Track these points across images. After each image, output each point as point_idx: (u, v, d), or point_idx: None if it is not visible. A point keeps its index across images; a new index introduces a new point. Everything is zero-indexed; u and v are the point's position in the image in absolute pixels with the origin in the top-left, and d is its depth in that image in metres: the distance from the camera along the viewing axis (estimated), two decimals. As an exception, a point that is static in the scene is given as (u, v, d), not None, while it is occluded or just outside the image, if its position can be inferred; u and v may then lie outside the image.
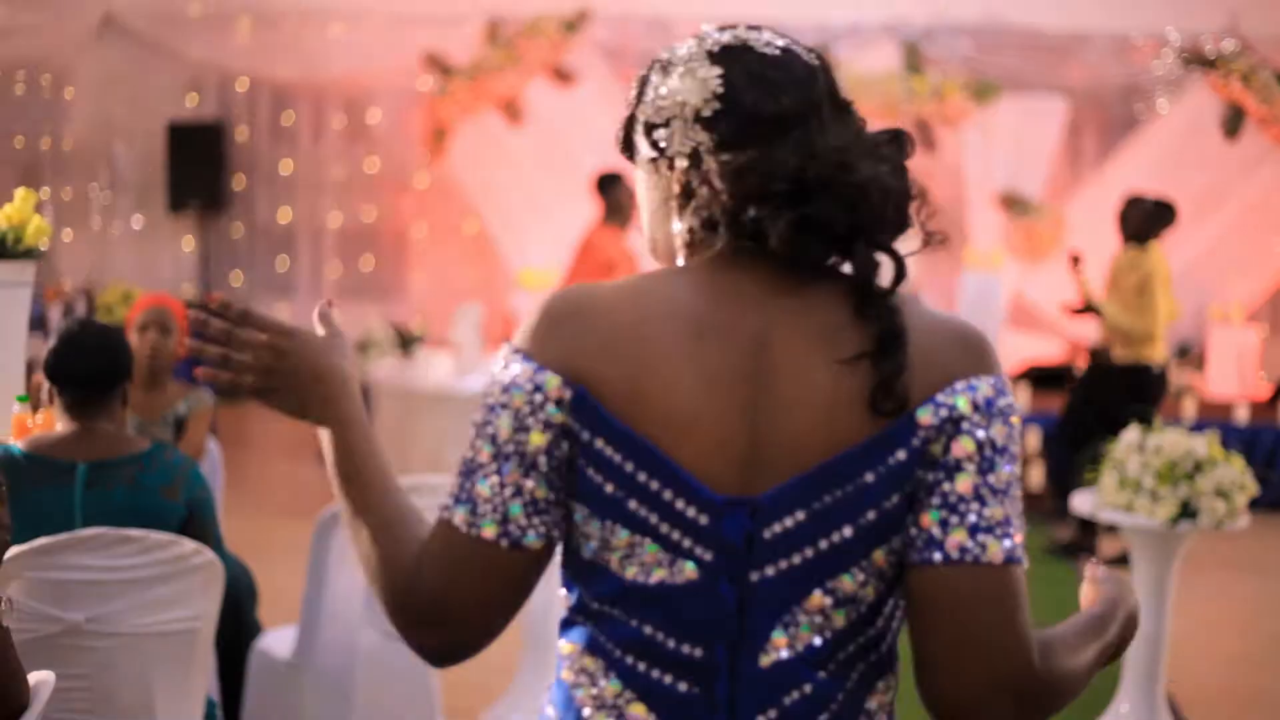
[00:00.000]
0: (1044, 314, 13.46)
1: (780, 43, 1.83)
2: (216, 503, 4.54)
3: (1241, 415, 11.44)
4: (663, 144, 1.83)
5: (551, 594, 5.79)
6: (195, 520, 3.99)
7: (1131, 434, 5.84)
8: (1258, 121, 12.85)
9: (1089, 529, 8.99)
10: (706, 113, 1.79)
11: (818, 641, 1.73)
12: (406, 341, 12.10)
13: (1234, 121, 12.85)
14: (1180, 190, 12.98)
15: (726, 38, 1.84)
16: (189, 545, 3.79)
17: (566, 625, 1.84)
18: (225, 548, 4.17)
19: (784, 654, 1.72)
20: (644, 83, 1.89)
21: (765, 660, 1.72)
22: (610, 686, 1.77)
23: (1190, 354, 12.92)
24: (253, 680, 4.87)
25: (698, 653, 1.73)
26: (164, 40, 14.77)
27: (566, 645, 1.83)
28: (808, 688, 1.73)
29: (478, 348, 10.00)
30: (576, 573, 1.81)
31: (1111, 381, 9.25)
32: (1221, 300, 13.18)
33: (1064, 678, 1.72)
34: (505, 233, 13.77)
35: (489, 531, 1.74)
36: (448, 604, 1.76)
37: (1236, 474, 5.63)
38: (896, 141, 1.78)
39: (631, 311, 1.74)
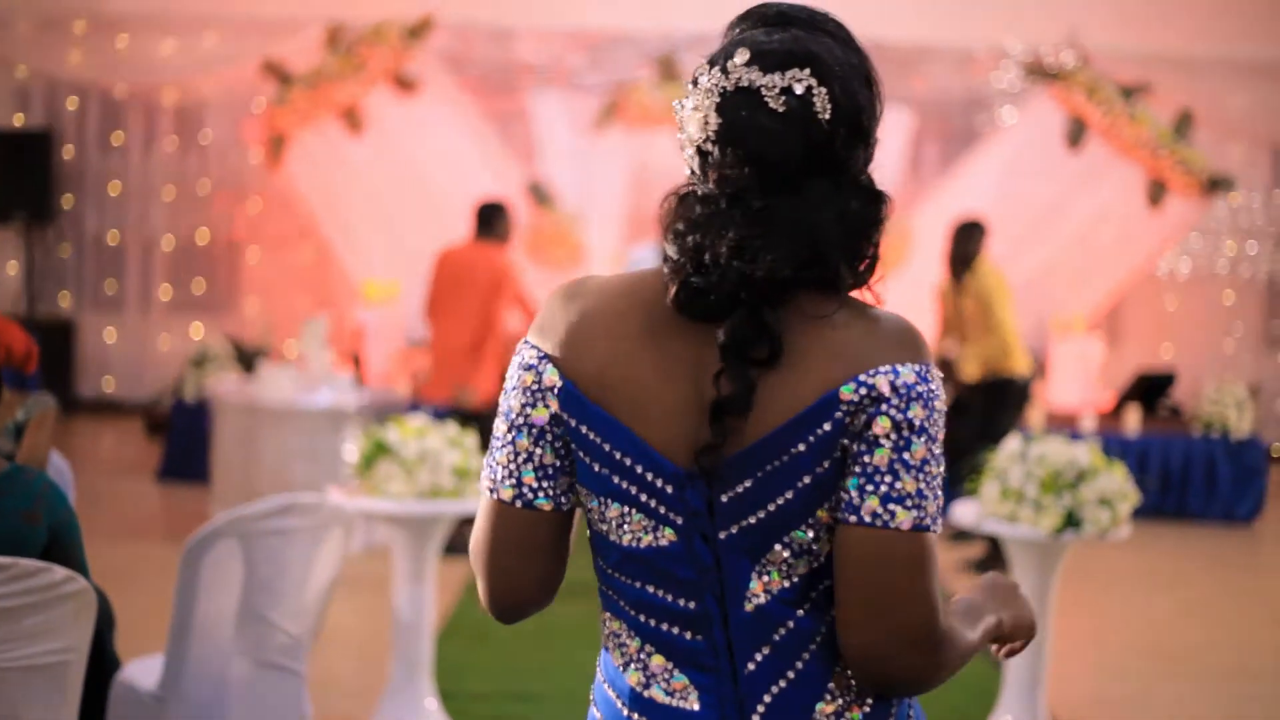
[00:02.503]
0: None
1: (799, 89, 1.94)
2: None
3: (1088, 425, 11.54)
4: (682, 147, 2.04)
5: (421, 607, 5.59)
6: (58, 545, 3.72)
7: (1013, 443, 5.78)
8: (1100, 133, 13.00)
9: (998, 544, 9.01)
10: (704, 147, 1.99)
11: (787, 585, 1.97)
12: (246, 357, 11.77)
13: (1076, 133, 12.99)
14: (1023, 201, 13.14)
15: (745, 79, 1.95)
16: (60, 573, 3.53)
17: (601, 594, 2.10)
18: (90, 574, 3.90)
19: (762, 598, 1.97)
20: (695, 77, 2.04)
21: (749, 606, 1.97)
22: (633, 643, 2.05)
23: (1034, 364, 13.02)
24: (114, 714, 4.59)
25: (692, 605, 1.99)
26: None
27: (601, 610, 2.11)
28: (791, 624, 1.98)
29: (325, 361, 9.71)
30: (592, 545, 2.08)
31: (974, 398, 9.26)
32: (1064, 310, 13.30)
33: (960, 641, 1.98)
34: (346, 244, 13.49)
35: (506, 494, 2.03)
36: (483, 557, 2.06)
37: (1120, 482, 5.58)
38: (871, 202, 1.99)
39: (607, 308, 2.00)
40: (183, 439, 11.51)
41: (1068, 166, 13.27)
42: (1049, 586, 5.72)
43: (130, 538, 9.32)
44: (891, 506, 1.89)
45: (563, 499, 2.03)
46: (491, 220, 9.60)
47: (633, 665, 2.05)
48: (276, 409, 9.51)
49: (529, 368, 2.00)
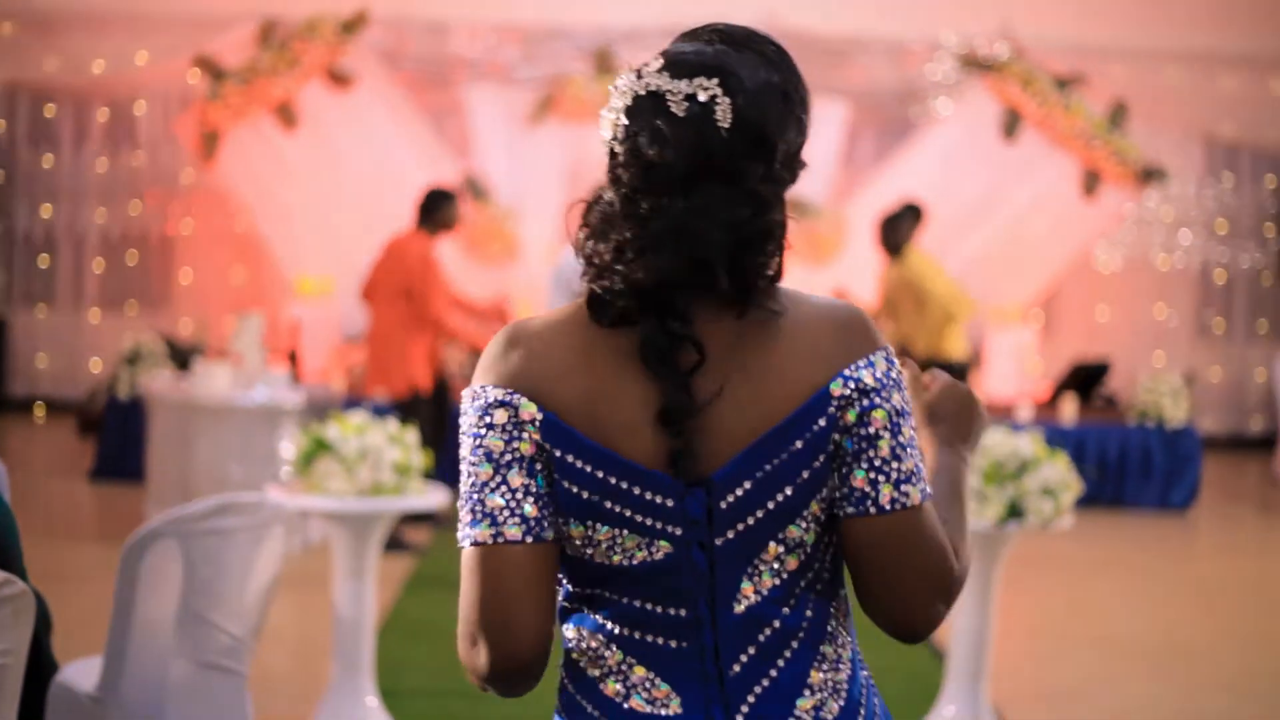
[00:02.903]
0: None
1: (702, 97, 1.97)
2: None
3: (1024, 415, 11.58)
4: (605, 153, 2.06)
5: (362, 604, 5.54)
6: (-5, 548, 3.65)
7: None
8: (1034, 124, 13.04)
9: None
10: (614, 147, 2.03)
11: (776, 583, 2.03)
12: (179, 354, 11.65)
13: (1011, 124, 13.03)
14: (958, 192, 13.16)
15: (654, 84, 2.00)
16: (-3, 576, 3.47)
17: (565, 614, 2.10)
18: (28, 577, 3.83)
19: (753, 599, 2.02)
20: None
21: (739, 608, 2.02)
22: (614, 656, 2.05)
23: (970, 350, 13.08)
24: (53, 717, 4.52)
25: (683, 613, 2.02)
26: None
27: (570, 630, 2.10)
28: (776, 623, 2.03)
29: (260, 359, 9.61)
30: (566, 569, 2.07)
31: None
32: (999, 301, 13.34)
33: (968, 561, 2.09)
34: (280, 240, 13.37)
35: (513, 533, 1.98)
36: (483, 617, 1.98)
37: (1062, 472, 5.59)
38: (762, 212, 1.99)
39: (561, 340, 2.02)
40: (116, 437, 11.38)
41: (1003, 157, 13.30)
42: (992, 577, 5.72)
43: (65, 538, 9.22)
44: (904, 488, 2.00)
45: (556, 528, 2.01)
46: (430, 208, 9.57)
47: (612, 677, 2.06)
48: (212, 406, 9.40)
49: (501, 404, 1.99)
